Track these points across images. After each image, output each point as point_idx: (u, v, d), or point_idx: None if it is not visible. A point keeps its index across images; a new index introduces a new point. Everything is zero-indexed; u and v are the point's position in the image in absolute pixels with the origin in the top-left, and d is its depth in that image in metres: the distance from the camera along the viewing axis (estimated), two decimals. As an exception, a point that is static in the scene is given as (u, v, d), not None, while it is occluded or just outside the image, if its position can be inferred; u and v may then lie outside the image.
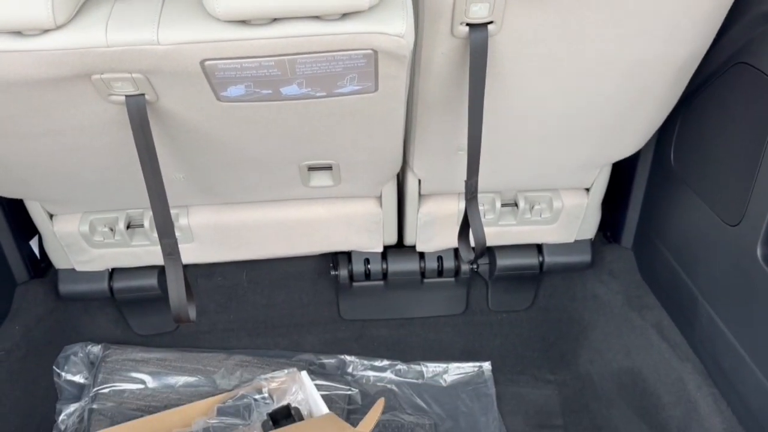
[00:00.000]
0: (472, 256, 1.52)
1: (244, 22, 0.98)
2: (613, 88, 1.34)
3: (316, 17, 0.99)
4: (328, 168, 1.50)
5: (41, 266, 1.87)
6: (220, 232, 1.71)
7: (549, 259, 1.89)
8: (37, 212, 1.63)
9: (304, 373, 1.72)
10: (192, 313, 1.31)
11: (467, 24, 1.15)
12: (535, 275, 1.96)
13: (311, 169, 1.50)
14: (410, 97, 1.33)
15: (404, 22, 1.00)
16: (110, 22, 0.98)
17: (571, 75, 1.30)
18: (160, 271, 1.82)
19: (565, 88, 1.34)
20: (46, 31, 0.97)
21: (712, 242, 1.52)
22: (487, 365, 1.94)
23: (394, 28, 1.00)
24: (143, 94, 1.11)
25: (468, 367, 1.94)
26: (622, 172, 1.80)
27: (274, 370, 1.77)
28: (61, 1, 0.94)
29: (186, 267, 1.33)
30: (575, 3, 1.14)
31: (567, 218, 1.79)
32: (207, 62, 1.02)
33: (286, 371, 1.75)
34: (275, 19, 0.99)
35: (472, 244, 1.48)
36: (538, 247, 1.91)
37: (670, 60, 1.30)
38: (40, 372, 1.77)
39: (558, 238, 1.86)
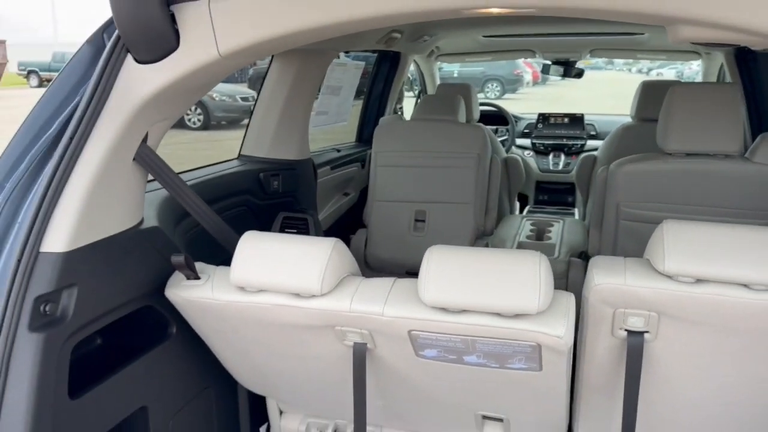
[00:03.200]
0: None
1: (443, 309, 1.36)
2: None
3: (496, 313, 1.33)
4: (500, 420, 1.73)
5: None
6: None
7: None
8: (272, 408, 2.08)
9: None
10: None
11: (626, 330, 1.40)
12: None
13: (485, 417, 1.75)
14: (575, 378, 1.56)
15: (564, 327, 1.29)
16: (355, 296, 1.44)
17: (727, 386, 1.42)
18: None
19: (720, 396, 1.45)
20: (313, 296, 1.45)
21: None
22: None
23: (555, 330, 1.29)
24: (365, 344, 1.52)
25: None
26: None
27: None
28: (328, 280, 1.42)
29: None
30: (731, 328, 1.32)
31: None
32: (412, 332, 1.41)
33: None
34: (465, 310, 1.35)
35: None
36: None
37: None
38: None
39: None
